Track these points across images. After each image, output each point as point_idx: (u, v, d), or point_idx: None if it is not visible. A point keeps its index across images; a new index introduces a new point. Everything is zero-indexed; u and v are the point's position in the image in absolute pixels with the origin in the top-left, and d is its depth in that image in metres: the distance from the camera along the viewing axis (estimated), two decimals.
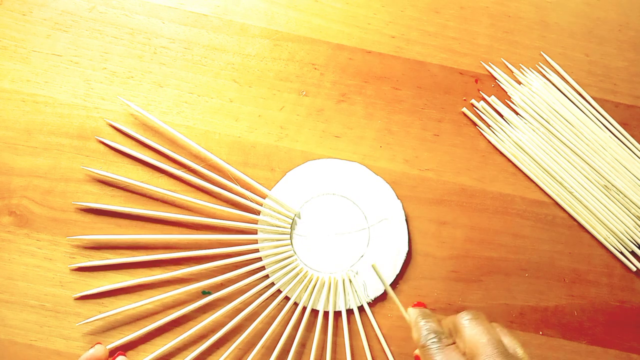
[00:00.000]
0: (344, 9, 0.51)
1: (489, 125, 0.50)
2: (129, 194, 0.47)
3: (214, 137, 0.48)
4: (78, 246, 0.46)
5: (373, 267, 0.45)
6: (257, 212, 0.47)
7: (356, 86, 0.50)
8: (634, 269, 0.48)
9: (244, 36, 0.50)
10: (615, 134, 0.50)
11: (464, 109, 0.50)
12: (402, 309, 0.43)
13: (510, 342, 0.36)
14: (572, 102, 0.51)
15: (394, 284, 0.47)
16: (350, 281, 0.46)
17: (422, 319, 0.39)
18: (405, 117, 0.50)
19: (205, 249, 0.46)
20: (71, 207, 0.46)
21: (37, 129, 0.47)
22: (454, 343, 0.37)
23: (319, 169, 0.48)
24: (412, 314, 0.41)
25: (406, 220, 0.47)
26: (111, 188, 0.47)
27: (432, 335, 0.37)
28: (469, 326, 0.36)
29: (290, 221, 0.47)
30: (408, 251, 0.47)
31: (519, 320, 0.47)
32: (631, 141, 0.50)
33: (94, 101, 0.48)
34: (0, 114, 0.47)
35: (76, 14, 0.49)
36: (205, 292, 0.45)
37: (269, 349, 0.45)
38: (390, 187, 0.48)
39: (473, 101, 0.50)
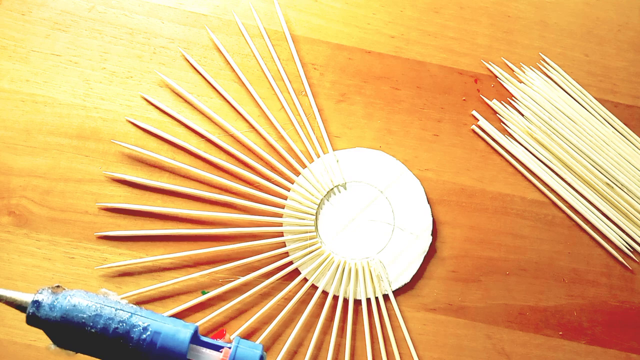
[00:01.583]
0: (343, 9, 0.51)
1: (504, 130, 0.50)
2: (128, 192, 0.47)
3: (214, 137, 0.48)
4: (78, 246, 0.46)
5: (375, 269, 0.45)
6: (288, 190, 0.47)
7: (356, 86, 0.50)
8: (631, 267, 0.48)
9: (244, 36, 0.50)
10: (618, 129, 0.50)
11: (474, 127, 0.50)
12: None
13: None
14: (573, 99, 0.51)
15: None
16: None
17: None
18: (404, 117, 0.50)
19: (230, 226, 0.46)
20: (70, 207, 0.46)
21: (36, 129, 0.47)
22: None
23: (367, 158, 0.48)
24: None
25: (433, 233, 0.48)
26: (111, 188, 0.47)
27: None
28: None
29: (318, 201, 0.47)
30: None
31: (519, 320, 0.47)
32: (633, 136, 0.50)
33: (93, 101, 0.48)
34: (0, 114, 0.47)
35: (75, 13, 0.49)
36: (204, 293, 0.45)
37: (284, 325, 0.45)
38: (428, 204, 0.48)
39: (475, 113, 0.50)
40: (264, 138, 0.48)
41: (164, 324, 0.30)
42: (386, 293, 0.46)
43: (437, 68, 0.51)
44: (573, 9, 0.53)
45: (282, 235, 0.47)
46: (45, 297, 0.30)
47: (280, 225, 0.47)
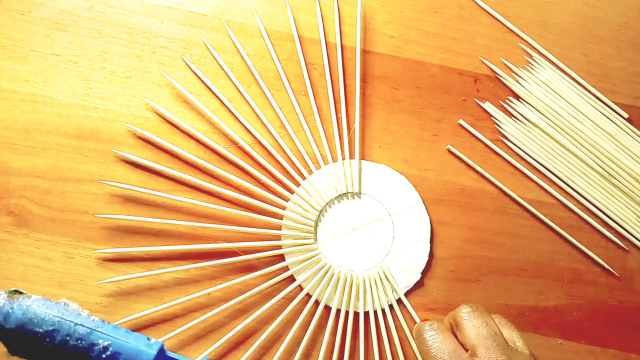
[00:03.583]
0: (343, 9, 0.51)
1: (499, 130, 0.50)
2: (127, 193, 0.47)
3: (213, 137, 0.48)
4: (77, 246, 0.45)
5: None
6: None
7: (354, 86, 0.50)
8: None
9: (243, 36, 0.50)
10: (620, 126, 0.50)
11: (461, 121, 0.50)
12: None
13: (509, 333, 0.37)
14: (574, 95, 0.51)
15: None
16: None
17: (425, 326, 0.39)
18: (404, 117, 0.50)
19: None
20: (70, 207, 0.46)
21: (35, 129, 0.47)
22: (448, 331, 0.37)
23: (388, 178, 0.48)
24: (416, 328, 0.41)
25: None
26: (110, 188, 0.46)
27: (428, 323, 0.37)
28: (468, 318, 0.36)
29: (327, 199, 0.47)
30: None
31: (518, 320, 0.47)
32: (633, 134, 0.50)
33: (93, 101, 0.48)
34: None
35: (75, 13, 0.49)
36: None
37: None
38: (429, 243, 0.47)
39: (461, 121, 0.50)
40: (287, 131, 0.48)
41: (126, 343, 0.29)
42: (362, 309, 0.46)
43: (437, 68, 0.51)
44: (573, 9, 0.53)
45: (282, 218, 0.47)
46: (0, 304, 0.29)
47: (284, 208, 0.47)
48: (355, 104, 0.49)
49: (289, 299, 0.45)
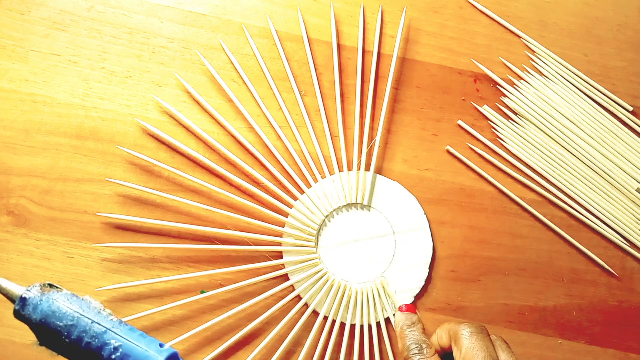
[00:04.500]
0: (343, 9, 0.51)
1: (497, 133, 0.50)
2: (128, 194, 0.47)
3: (213, 137, 0.48)
4: (77, 246, 0.45)
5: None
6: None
7: (355, 86, 0.50)
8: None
9: (243, 36, 0.50)
10: (624, 119, 0.50)
11: (460, 122, 0.50)
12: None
13: (507, 358, 0.37)
14: (573, 96, 0.51)
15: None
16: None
17: (407, 327, 0.39)
18: (404, 117, 0.50)
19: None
20: (70, 207, 0.46)
21: (35, 129, 0.47)
22: (436, 353, 0.37)
23: (399, 197, 0.48)
24: (397, 320, 0.42)
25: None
26: (109, 188, 0.46)
27: (414, 346, 0.37)
28: (470, 339, 0.37)
29: (336, 206, 0.47)
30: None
31: (518, 320, 0.47)
32: (632, 134, 0.50)
33: (93, 101, 0.48)
34: None
35: (75, 13, 0.49)
36: (203, 292, 0.45)
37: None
38: (428, 269, 0.47)
39: (460, 122, 0.50)
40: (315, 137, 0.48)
41: (137, 347, 0.29)
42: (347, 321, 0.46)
43: (437, 68, 0.51)
44: (572, 9, 0.53)
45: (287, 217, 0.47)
46: (32, 296, 0.30)
47: (291, 207, 0.47)
48: (380, 117, 0.49)
49: (280, 297, 0.45)
